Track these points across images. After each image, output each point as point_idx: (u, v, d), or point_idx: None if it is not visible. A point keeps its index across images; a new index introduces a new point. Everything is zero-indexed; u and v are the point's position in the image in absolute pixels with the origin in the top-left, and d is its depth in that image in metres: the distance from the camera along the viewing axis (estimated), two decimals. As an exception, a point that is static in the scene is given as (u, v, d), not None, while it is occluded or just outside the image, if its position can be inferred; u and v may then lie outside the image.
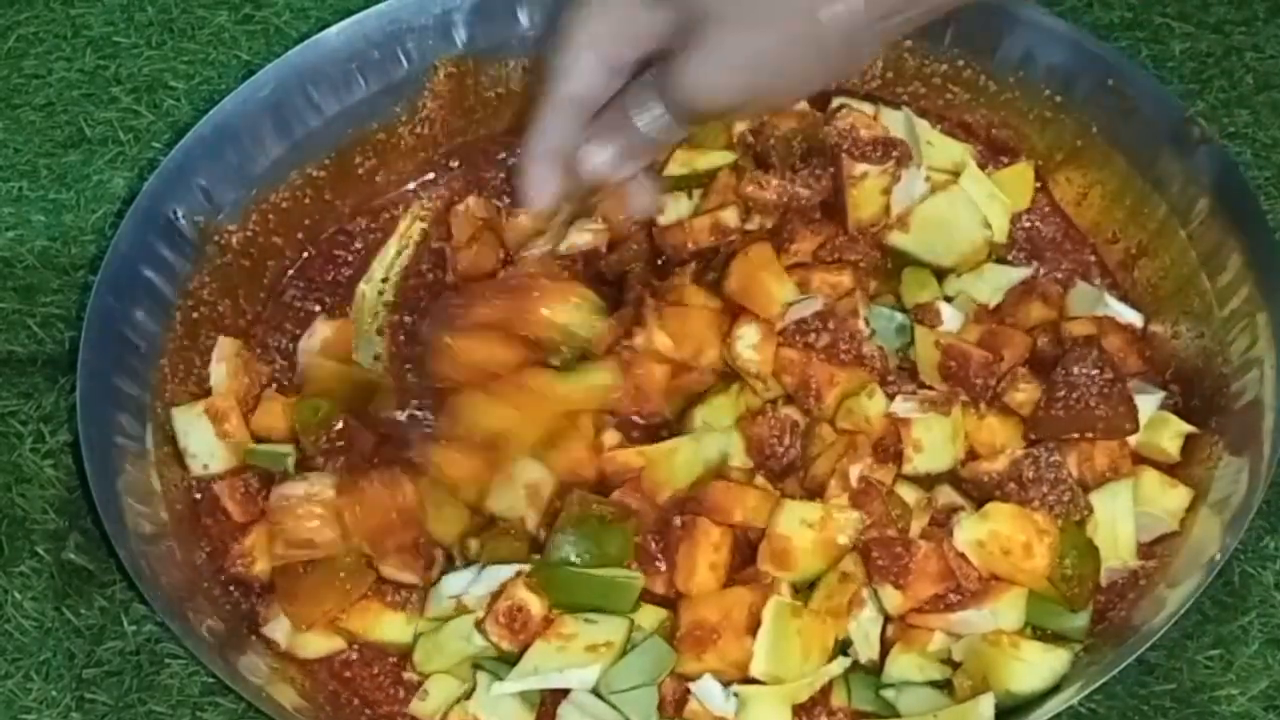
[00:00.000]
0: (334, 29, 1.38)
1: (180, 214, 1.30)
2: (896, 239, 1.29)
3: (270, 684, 1.11)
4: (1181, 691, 1.11)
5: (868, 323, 1.22)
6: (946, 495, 1.16)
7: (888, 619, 1.13)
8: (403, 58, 1.40)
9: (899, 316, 1.25)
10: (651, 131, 0.96)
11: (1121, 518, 1.14)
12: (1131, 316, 1.27)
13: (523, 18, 1.42)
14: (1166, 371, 1.25)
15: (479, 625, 1.11)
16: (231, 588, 1.19)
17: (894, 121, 1.34)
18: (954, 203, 1.29)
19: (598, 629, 1.10)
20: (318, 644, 1.17)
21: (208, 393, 1.28)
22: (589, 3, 0.95)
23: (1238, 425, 1.16)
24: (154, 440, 1.23)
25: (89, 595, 1.19)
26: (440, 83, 1.42)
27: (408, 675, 1.16)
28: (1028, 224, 1.36)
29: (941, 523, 1.14)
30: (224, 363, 1.29)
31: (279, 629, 1.17)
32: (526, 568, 1.12)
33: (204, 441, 1.24)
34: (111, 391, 1.21)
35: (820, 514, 1.12)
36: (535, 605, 1.10)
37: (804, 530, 1.12)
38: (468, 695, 1.11)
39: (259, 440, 1.25)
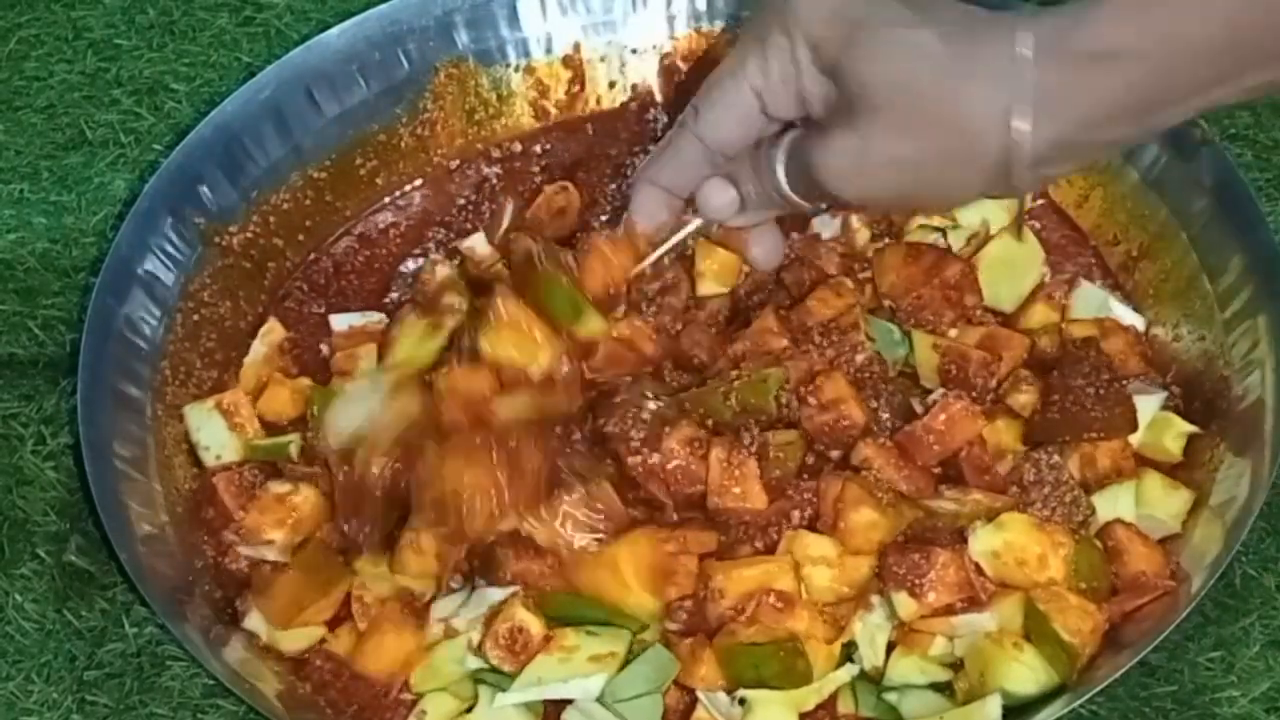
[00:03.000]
0: (334, 30, 1.38)
1: (181, 216, 1.30)
2: None
3: (263, 681, 1.10)
4: (1183, 693, 1.11)
5: (869, 338, 1.21)
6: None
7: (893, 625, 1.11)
8: (403, 59, 1.40)
9: (896, 329, 1.24)
10: (786, 190, 0.91)
11: (1123, 520, 1.14)
12: (1133, 319, 1.27)
13: (523, 20, 1.42)
14: (1168, 374, 1.24)
15: (479, 648, 1.10)
16: (231, 586, 1.19)
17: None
18: (1012, 247, 1.29)
19: (600, 641, 1.09)
20: (296, 637, 1.15)
21: (210, 392, 1.28)
22: (753, 48, 0.89)
23: (1239, 428, 1.16)
24: (155, 442, 1.22)
25: (90, 597, 1.19)
26: (441, 84, 1.42)
27: (403, 695, 1.13)
28: (1028, 226, 1.36)
29: (960, 532, 1.11)
30: (265, 346, 1.30)
31: (258, 621, 1.15)
32: (519, 589, 1.11)
33: (216, 435, 1.25)
34: (112, 393, 1.21)
35: (839, 551, 1.10)
36: (535, 626, 1.09)
37: (821, 569, 1.10)
38: (468, 710, 1.10)
39: (266, 424, 1.26)
